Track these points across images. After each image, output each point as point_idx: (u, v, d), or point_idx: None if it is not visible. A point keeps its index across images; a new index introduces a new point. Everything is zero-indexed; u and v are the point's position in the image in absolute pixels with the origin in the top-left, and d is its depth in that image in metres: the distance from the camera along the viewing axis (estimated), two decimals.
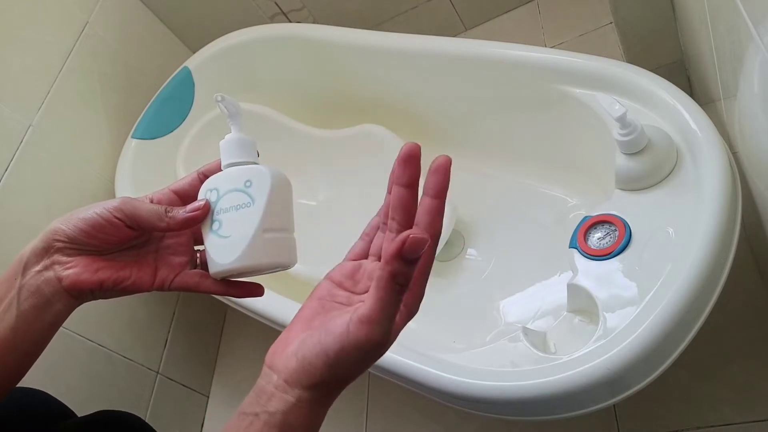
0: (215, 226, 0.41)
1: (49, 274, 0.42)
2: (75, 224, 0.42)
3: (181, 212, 0.43)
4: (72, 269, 0.42)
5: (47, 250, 0.42)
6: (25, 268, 0.42)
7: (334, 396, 0.37)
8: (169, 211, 0.43)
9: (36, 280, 0.41)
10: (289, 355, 0.36)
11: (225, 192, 0.42)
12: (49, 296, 0.41)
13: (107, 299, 0.44)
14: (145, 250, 0.46)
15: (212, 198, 0.42)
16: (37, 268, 0.42)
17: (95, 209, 0.42)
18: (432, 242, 0.33)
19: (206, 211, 0.42)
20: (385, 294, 0.32)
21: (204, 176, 0.45)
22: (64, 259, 0.42)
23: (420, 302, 0.36)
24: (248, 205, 0.41)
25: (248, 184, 0.42)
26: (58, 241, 0.42)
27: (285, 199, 0.43)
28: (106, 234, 0.42)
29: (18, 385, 0.43)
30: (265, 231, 0.41)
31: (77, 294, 0.42)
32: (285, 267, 0.43)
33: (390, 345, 0.35)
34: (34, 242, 0.42)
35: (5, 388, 0.43)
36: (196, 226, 0.43)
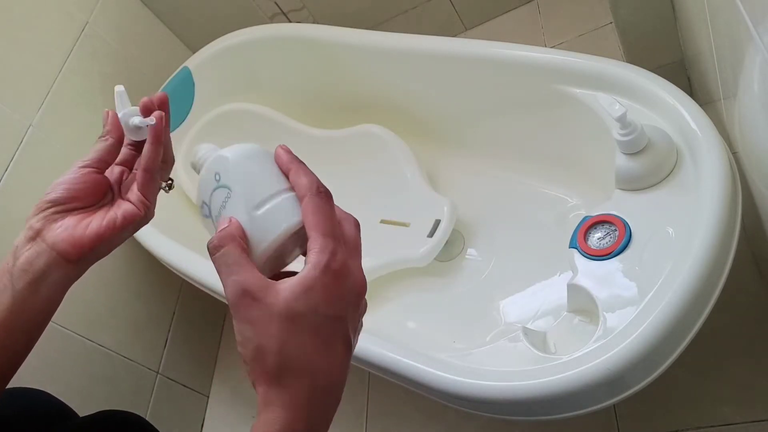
0: None
1: (41, 246, 0.43)
2: (54, 188, 0.45)
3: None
4: (63, 229, 0.43)
5: (38, 231, 0.43)
6: (16, 251, 0.43)
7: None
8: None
9: (27, 257, 0.42)
10: None
11: (209, 198, 0.41)
12: (43, 268, 0.42)
13: (107, 255, 0.46)
14: (115, 198, 0.49)
15: (206, 213, 0.42)
16: (27, 246, 0.43)
17: (68, 172, 0.46)
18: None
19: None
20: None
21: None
22: (54, 225, 0.44)
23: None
24: (229, 195, 0.40)
25: (218, 177, 0.41)
26: (43, 210, 0.44)
27: (257, 167, 0.41)
28: (84, 184, 0.46)
29: (18, 385, 0.43)
30: (256, 208, 0.39)
31: (75, 256, 0.43)
32: (296, 227, 0.40)
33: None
34: (22, 232, 0.44)
35: (8, 371, 0.43)
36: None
